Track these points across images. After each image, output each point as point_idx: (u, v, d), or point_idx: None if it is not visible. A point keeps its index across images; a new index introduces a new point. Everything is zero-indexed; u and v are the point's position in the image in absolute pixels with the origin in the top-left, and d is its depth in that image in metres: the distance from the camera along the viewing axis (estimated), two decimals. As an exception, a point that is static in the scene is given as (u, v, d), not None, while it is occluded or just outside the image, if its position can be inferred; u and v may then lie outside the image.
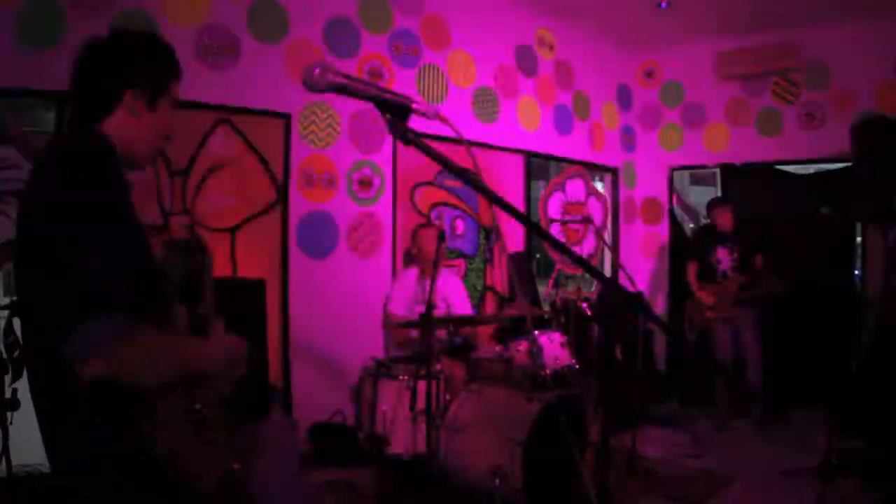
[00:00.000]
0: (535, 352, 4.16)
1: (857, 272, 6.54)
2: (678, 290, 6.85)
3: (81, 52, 1.62)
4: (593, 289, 6.52)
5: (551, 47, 6.72)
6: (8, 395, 3.53)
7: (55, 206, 1.38)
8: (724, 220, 5.75)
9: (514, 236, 6.39)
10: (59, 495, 1.51)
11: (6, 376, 3.56)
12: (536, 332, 4.35)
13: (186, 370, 1.56)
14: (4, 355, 3.63)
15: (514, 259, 6.25)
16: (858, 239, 6.55)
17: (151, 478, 1.42)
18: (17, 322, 3.37)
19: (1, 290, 4.06)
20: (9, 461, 3.46)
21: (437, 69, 5.70)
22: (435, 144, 1.29)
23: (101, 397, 1.38)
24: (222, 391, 1.72)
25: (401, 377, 3.90)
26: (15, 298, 3.52)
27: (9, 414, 3.51)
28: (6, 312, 3.57)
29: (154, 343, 1.44)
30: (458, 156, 1.31)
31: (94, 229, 1.37)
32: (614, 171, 7.67)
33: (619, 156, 7.65)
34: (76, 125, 1.61)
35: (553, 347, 4.25)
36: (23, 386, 3.57)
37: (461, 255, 5.94)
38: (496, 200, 1.31)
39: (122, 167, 1.56)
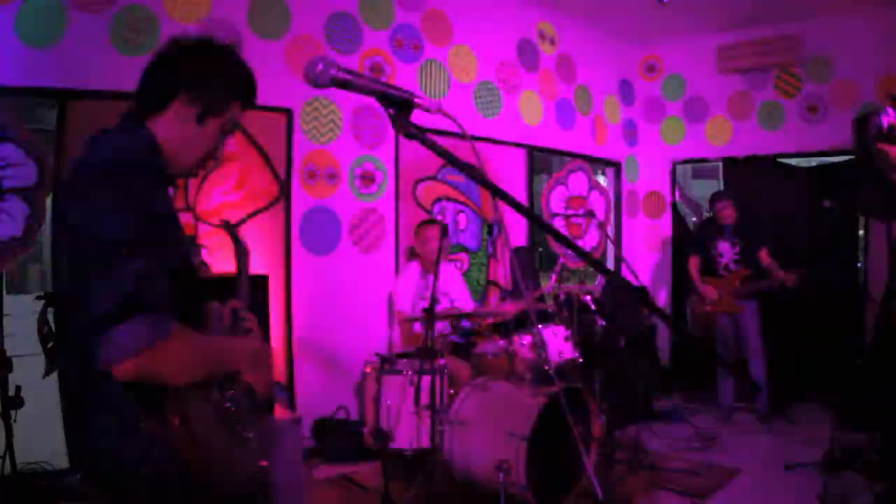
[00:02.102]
0: (539, 346, 4.15)
1: (859, 265, 6.53)
2: (680, 284, 6.85)
3: (161, 48, 1.60)
4: (596, 283, 6.52)
5: (553, 41, 6.70)
6: (12, 392, 3.54)
7: (98, 206, 1.36)
8: (727, 213, 5.73)
9: (516, 230, 6.38)
10: (81, 492, 1.51)
11: (10, 374, 3.56)
12: (540, 326, 4.34)
13: (220, 369, 1.57)
14: (10, 353, 3.64)
15: (518, 253, 6.24)
16: (861, 232, 6.54)
17: (182, 476, 1.42)
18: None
19: (4, 288, 4.06)
20: (13, 459, 3.47)
21: (439, 64, 5.69)
22: (437, 139, 1.28)
23: (134, 394, 1.38)
24: (251, 390, 1.72)
25: (405, 372, 3.90)
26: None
27: (13, 412, 3.52)
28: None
29: (191, 343, 1.44)
30: (461, 150, 1.31)
31: (134, 230, 1.35)
32: (617, 165, 7.66)
33: (622, 149, 7.64)
34: (129, 121, 1.57)
35: (557, 342, 4.25)
36: (27, 384, 3.58)
37: (464, 249, 5.94)
38: (499, 194, 1.30)
39: (164, 169, 1.56)
